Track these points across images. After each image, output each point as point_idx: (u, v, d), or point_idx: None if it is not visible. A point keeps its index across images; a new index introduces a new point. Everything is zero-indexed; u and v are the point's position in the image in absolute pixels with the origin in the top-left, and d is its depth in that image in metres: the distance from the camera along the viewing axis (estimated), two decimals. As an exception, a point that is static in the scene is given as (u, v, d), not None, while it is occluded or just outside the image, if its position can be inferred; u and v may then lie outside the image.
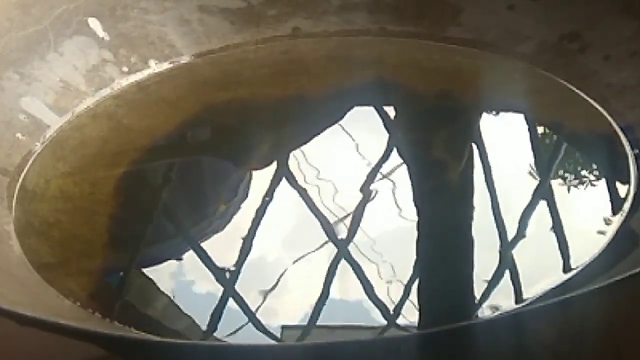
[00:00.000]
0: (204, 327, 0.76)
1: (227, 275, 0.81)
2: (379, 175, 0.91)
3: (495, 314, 0.75)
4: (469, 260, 0.80)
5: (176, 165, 0.97)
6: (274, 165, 0.94)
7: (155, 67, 1.08)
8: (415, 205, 0.87)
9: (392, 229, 0.85)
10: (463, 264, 0.81)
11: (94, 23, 1.08)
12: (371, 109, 1.01)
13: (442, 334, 0.62)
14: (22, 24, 1.04)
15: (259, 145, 0.97)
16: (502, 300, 0.76)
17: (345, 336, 0.74)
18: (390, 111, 1.01)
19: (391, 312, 0.76)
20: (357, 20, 1.12)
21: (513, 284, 0.78)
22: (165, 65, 1.08)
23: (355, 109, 1.01)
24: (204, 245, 0.84)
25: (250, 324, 0.76)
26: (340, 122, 0.99)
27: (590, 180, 0.89)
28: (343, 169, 0.93)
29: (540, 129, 0.97)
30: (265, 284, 0.79)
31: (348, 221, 0.85)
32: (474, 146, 0.94)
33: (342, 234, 0.84)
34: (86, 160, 0.96)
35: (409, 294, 0.77)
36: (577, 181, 0.89)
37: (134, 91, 1.05)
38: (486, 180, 0.89)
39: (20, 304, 0.70)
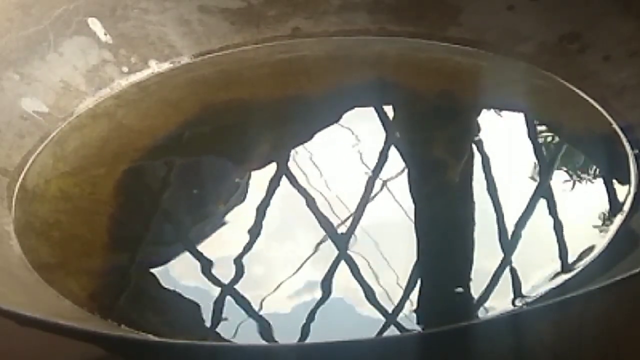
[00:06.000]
0: (204, 327, 0.76)
1: (227, 275, 0.81)
2: (378, 175, 0.91)
3: (495, 314, 0.75)
4: (468, 260, 0.80)
5: (176, 165, 0.97)
6: (274, 165, 0.94)
7: (155, 67, 1.08)
8: (415, 205, 0.87)
9: (392, 228, 0.85)
10: (463, 264, 0.80)
11: (94, 23, 1.08)
12: (371, 109, 1.01)
13: (442, 334, 0.62)
14: (22, 24, 1.04)
15: (259, 145, 0.97)
16: (502, 300, 0.76)
17: (345, 336, 0.73)
18: (390, 111, 1.01)
19: (391, 311, 0.76)
20: (357, 20, 1.12)
21: (513, 283, 0.78)
22: (165, 65, 1.08)
23: (355, 109, 1.01)
24: (204, 245, 0.84)
25: (249, 323, 0.76)
26: (340, 122, 0.99)
27: (590, 181, 0.89)
28: (343, 169, 0.93)
29: (540, 129, 0.97)
30: (265, 284, 0.79)
31: (348, 221, 0.85)
32: (474, 146, 0.94)
33: (342, 233, 0.84)
34: (86, 160, 0.96)
35: (408, 294, 0.77)
36: (577, 181, 0.89)
37: (134, 91, 1.05)
38: (486, 180, 0.89)
39: (20, 304, 0.70)
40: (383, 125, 0.99)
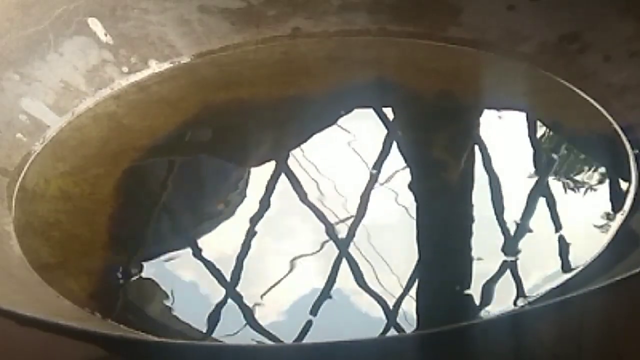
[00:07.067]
0: (204, 327, 0.76)
1: (227, 275, 0.81)
2: (379, 175, 0.91)
3: (495, 314, 0.75)
4: (469, 261, 0.80)
5: (176, 165, 0.97)
6: (274, 164, 0.94)
7: (155, 67, 1.08)
8: (416, 205, 0.87)
9: (393, 228, 0.85)
10: (463, 264, 0.80)
11: (94, 23, 1.08)
12: (371, 109, 1.01)
13: (442, 334, 0.62)
14: (22, 24, 1.04)
15: (259, 145, 0.97)
16: (502, 300, 0.76)
17: (345, 336, 0.73)
18: (390, 111, 1.01)
19: (391, 311, 0.76)
20: (357, 20, 1.12)
21: (513, 283, 0.78)
22: (165, 65, 1.08)
23: (355, 109, 1.01)
24: (203, 245, 0.84)
25: (249, 324, 0.76)
26: (340, 122, 0.99)
27: (590, 181, 0.89)
28: (343, 169, 0.93)
29: (540, 129, 0.97)
30: (265, 284, 0.79)
31: (348, 221, 0.85)
32: (474, 146, 0.94)
33: (342, 233, 0.84)
34: (86, 160, 0.96)
35: (409, 294, 0.77)
36: (577, 181, 0.89)
37: (134, 91, 1.05)
38: (486, 180, 0.89)
39: (20, 304, 0.70)
40: (383, 125, 0.99)
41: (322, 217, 0.86)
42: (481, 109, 1.00)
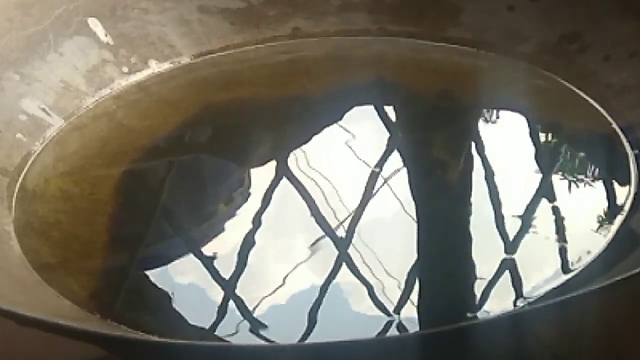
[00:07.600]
0: (204, 327, 0.76)
1: (227, 275, 0.81)
2: (379, 175, 0.91)
3: (495, 314, 0.75)
4: (469, 261, 0.80)
5: (176, 165, 0.97)
6: (274, 164, 0.94)
7: (155, 67, 1.08)
8: (415, 205, 0.87)
9: (392, 229, 0.85)
10: (463, 264, 0.80)
11: (94, 23, 1.08)
12: (371, 108, 1.01)
13: (442, 334, 0.62)
14: (22, 24, 1.04)
15: (259, 145, 0.97)
16: (502, 300, 0.76)
17: (345, 336, 0.73)
18: (390, 111, 1.01)
19: (391, 312, 0.76)
20: (357, 20, 1.12)
21: (513, 284, 0.78)
22: (165, 66, 1.08)
23: (355, 108, 1.01)
24: (203, 245, 0.84)
25: (249, 323, 0.76)
26: (340, 121, 0.99)
27: (590, 181, 0.89)
28: (343, 169, 0.93)
29: (540, 129, 0.97)
30: (265, 284, 0.79)
31: (348, 220, 0.85)
32: (474, 146, 0.94)
33: (342, 233, 0.84)
34: (86, 160, 0.96)
35: (409, 294, 0.77)
36: (577, 181, 0.89)
37: (134, 91, 1.05)
38: (486, 180, 0.89)
39: (20, 304, 0.71)
40: (383, 125, 0.99)
41: (322, 216, 0.86)
42: (481, 109, 1.00)
